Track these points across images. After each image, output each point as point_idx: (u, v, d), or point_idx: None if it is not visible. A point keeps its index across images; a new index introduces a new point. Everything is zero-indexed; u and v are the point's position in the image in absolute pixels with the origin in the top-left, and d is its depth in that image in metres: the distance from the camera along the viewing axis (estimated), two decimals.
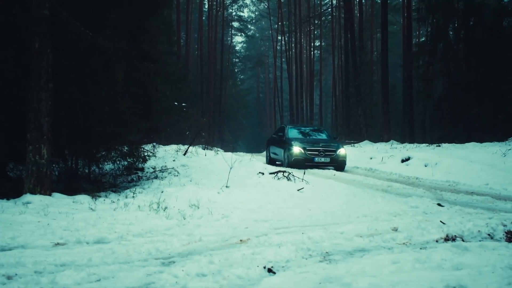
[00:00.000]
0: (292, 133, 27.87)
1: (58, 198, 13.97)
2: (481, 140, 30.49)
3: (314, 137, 28.22)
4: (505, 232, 9.19)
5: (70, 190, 15.34)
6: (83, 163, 18.15)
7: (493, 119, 37.91)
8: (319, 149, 25.39)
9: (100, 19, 15.93)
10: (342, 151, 25.61)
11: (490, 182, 18.55)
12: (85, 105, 15.48)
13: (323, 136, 28.58)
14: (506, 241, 8.67)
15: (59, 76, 14.97)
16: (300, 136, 27.69)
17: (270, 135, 34.07)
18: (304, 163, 25.00)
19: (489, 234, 9.20)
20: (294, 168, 23.94)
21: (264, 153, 44.46)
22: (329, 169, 25.59)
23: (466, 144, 29.03)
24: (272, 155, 29.48)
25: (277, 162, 28.51)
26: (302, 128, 29.31)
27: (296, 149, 25.39)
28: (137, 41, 17.46)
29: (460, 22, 42.12)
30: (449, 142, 33.22)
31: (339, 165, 25.46)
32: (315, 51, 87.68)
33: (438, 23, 42.92)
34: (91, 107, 15.62)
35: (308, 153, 25.24)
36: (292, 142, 25.94)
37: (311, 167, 25.17)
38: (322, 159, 25.21)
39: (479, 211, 13.13)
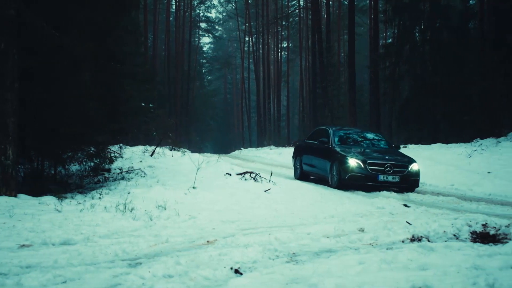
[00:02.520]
0: (340, 138, 20.80)
1: (23, 199, 13.86)
2: (447, 141, 30.80)
3: (371, 146, 20.87)
4: (470, 233, 9.27)
5: (36, 191, 15.23)
6: (49, 164, 18.02)
7: (459, 120, 38.26)
8: (386, 164, 18.40)
9: (67, 19, 15.82)
10: (415, 166, 18.70)
11: (456, 182, 18.75)
12: (51, 106, 15.37)
13: (382, 144, 21.24)
14: (471, 241, 8.75)
15: (25, 77, 14.86)
16: (351, 143, 20.65)
17: (301, 140, 27.14)
18: (365, 182, 18.34)
19: (454, 235, 9.27)
20: (348, 188, 18.60)
21: (235, 153, 44.41)
22: (395, 191, 18.39)
23: (432, 145, 29.28)
24: (306, 168, 22.37)
25: (311, 177, 22.21)
26: (351, 132, 21.96)
27: (353, 162, 18.47)
28: (104, 42, 17.38)
29: (426, 24, 42.40)
30: (415, 143, 33.44)
31: (410, 185, 18.63)
32: (283, 52, 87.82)
33: (404, 25, 43.17)
34: (58, 107, 15.52)
35: (370, 169, 18.29)
36: (345, 152, 19.17)
37: (373, 188, 18.26)
38: (390, 178, 18.23)
39: (444, 212, 13.26)
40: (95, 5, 16.34)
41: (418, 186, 18.93)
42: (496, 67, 31.90)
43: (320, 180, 20.88)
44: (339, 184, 18.91)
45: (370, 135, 22.04)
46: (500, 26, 31.85)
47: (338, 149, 19.73)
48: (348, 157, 18.81)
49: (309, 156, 22.08)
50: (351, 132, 22.08)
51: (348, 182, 18.68)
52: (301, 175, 22.68)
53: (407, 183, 18.56)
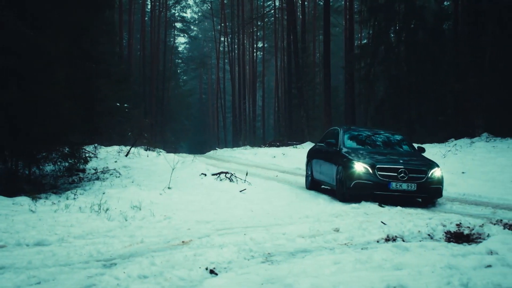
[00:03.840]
0: (351, 140, 17.60)
1: None
2: (421, 142, 30.90)
3: (388, 148, 17.47)
4: (445, 232, 9.33)
5: (10, 191, 15.12)
6: (23, 164, 17.90)
7: (433, 120, 38.49)
8: (399, 168, 14.92)
9: (41, 18, 15.74)
10: (437, 172, 15.25)
11: None
12: (25, 105, 15.26)
13: (402, 146, 17.84)
14: (445, 241, 8.81)
15: None
16: (362, 146, 17.34)
17: (314, 144, 22.00)
18: (373, 191, 15.00)
19: (429, 235, 9.33)
20: (353, 200, 15.26)
21: (211, 153, 44.36)
22: (412, 205, 15.27)
23: None
24: (316, 175, 18.93)
25: (323, 186, 18.93)
26: (366, 132, 18.63)
27: (359, 167, 15.17)
28: (78, 41, 17.30)
29: (401, 25, 42.56)
30: None
31: (430, 195, 15.23)
32: (258, 53, 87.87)
33: (379, 25, 43.30)
34: (32, 107, 15.40)
35: (380, 175, 14.94)
36: (352, 155, 15.92)
37: (385, 198, 14.98)
38: (404, 186, 14.77)
39: (419, 212, 13.33)
40: (69, 4, 16.26)
41: (440, 196, 15.28)
42: (470, 67, 32.12)
43: (332, 190, 17.50)
44: (344, 194, 15.68)
45: (387, 136, 18.37)
46: (474, 27, 32.07)
47: (344, 152, 16.47)
48: (354, 161, 15.41)
49: (319, 161, 18.74)
50: (365, 132, 18.59)
51: (353, 192, 15.30)
52: (312, 183, 19.26)
53: (427, 192, 14.97)
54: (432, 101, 38.28)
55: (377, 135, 18.40)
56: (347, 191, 15.50)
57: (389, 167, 15.09)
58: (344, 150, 16.68)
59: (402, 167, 15.01)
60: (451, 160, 22.49)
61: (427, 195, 15.19)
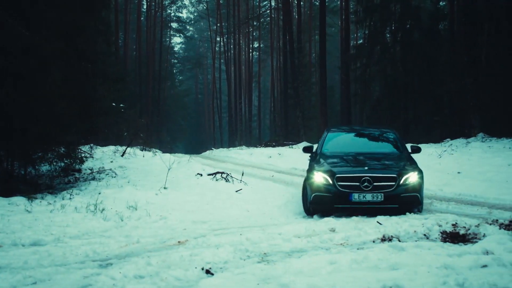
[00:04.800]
0: (331, 144, 15.57)
1: None
2: (417, 142, 30.87)
3: (369, 150, 15.27)
4: (441, 232, 9.34)
5: (6, 191, 15.11)
6: (19, 164, 17.89)
7: (429, 120, 38.50)
8: (362, 177, 12.93)
9: (36, 18, 15.73)
10: (412, 177, 13.15)
11: (426, 183, 18.63)
12: (21, 106, 15.25)
13: (389, 146, 15.71)
14: (441, 241, 8.82)
15: None
16: (341, 149, 15.13)
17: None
18: (333, 205, 13.14)
19: (425, 234, 9.34)
20: (317, 213, 13.52)
21: (207, 153, 44.31)
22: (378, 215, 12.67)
23: None
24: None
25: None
26: (351, 134, 16.76)
27: (318, 177, 13.28)
28: (74, 41, 17.28)
29: (397, 25, 42.54)
30: None
31: (404, 206, 13.02)
32: (254, 53, 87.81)
33: (375, 25, 43.27)
34: (27, 107, 15.40)
35: (340, 185, 12.98)
36: (317, 163, 14.08)
37: (349, 211, 13.08)
38: (368, 197, 12.80)
39: (415, 212, 13.32)
40: (64, 5, 16.25)
41: (418, 205, 13.31)
42: (466, 68, 32.15)
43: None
44: (308, 208, 13.91)
45: (375, 135, 16.55)
46: (470, 28, 32.10)
47: (317, 158, 14.62)
48: (315, 170, 13.57)
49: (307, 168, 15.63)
50: (350, 133, 16.74)
51: (314, 206, 13.50)
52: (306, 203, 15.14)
53: (397, 202, 12.91)
54: (428, 101, 38.25)
55: (362, 136, 16.39)
56: (309, 205, 13.62)
57: (350, 176, 13.11)
58: (319, 156, 14.76)
59: (365, 175, 12.98)
60: (447, 160, 22.49)
61: (398, 205, 12.90)
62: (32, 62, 15.28)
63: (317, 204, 13.41)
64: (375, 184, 12.91)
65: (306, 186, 13.85)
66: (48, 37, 15.38)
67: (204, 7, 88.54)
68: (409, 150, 15.57)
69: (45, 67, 15.55)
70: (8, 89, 14.99)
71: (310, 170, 14.01)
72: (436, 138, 32.44)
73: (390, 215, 12.45)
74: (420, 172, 13.58)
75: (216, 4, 78.92)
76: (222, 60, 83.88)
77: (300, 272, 6.89)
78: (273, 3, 73.97)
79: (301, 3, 61.02)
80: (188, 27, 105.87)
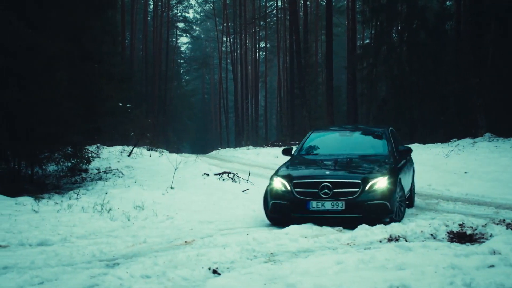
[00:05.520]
0: (313, 145, 14.50)
1: (0, 200, 13.78)
2: (424, 142, 30.88)
3: (349, 151, 13.56)
4: (448, 232, 9.32)
5: (13, 191, 15.13)
6: (26, 164, 17.91)
7: (436, 120, 38.45)
8: (321, 182, 11.50)
9: (41, 18, 15.75)
10: (380, 182, 11.50)
11: (433, 183, 18.77)
12: (26, 106, 15.28)
13: (375, 148, 13.86)
14: (448, 241, 8.80)
15: (0, 76, 14.78)
16: (319, 151, 14.11)
17: None
18: (291, 213, 11.68)
19: (431, 234, 9.31)
20: (276, 223, 12.11)
21: (213, 153, 44.30)
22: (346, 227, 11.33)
23: (410, 145, 29.30)
24: None
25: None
26: (339, 133, 15.31)
27: (277, 183, 11.99)
28: (80, 41, 17.30)
29: (403, 25, 42.47)
30: None
31: (368, 215, 11.32)
32: (260, 53, 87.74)
33: (382, 25, 43.23)
34: (33, 107, 15.42)
35: (298, 191, 11.60)
36: (282, 167, 12.97)
37: (307, 221, 11.40)
38: (327, 205, 11.31)
39: (422, 212, 13.30)
40: (70, 4, 16.27)
41: (388, 214, 11.44)
42: (472, 67, 32.08)
43: None
44: (268, 216, 12.46)
45: (361, 135, 14.97)
46: (476, 27, 32.03)
47: (290, 160, 13.78)
48: (275, 175, 12.39)
49: None
50: (333, 133, 15.41)
51: (273, 215, 12.20)
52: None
53: (361, 211, 11.34)
54: (434, 101, 38.21)
55: (348, 137, 14.80)
56: (269, 213, 12.31)
57: (308, 182, 11.75)
58: (293, 158, 13.89)
59: (324, 180, 11.54)
60: (454, 160, 22.45)
61: (361, 215, 11.31)
62: (37, 62, 15.30)
63: (275, 213, 12.05)
64: (335, 190, 11.36)
65: (267, 192, 12.39)
66: (53, 37, 15.40)
67: (211, 7, 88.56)
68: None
69: (50, 67, 15.58)
70: (13, 89, 15.02)
71: (273, 174, 12.67)
72: (443, 138, 32.36)
73: (354, 226, 10.72)
74: (392, 176, 11.78)
75: (223, 4, 78.93)
76: (228, 60, 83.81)
77: (307, 272, 6.88)
78: (279, 3, 73.95)
79: (308, 3, 61.01)
80: (194, 27, 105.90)
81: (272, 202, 11.97)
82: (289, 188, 11.69)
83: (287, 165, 13.11)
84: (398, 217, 11.74)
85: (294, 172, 12.28)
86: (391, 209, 11.45)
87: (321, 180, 11.58)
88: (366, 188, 11.39)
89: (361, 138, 14.77)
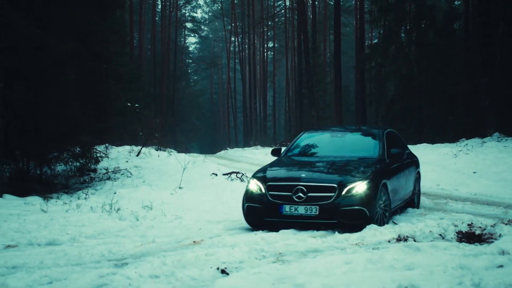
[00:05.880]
0: (301, 146, 13.82)
1: (9, 200, 13.85)
2: (432, 141, 30.81)
3: (336, 153, 12.83)
4: (456, 232, 9.30)
5: (21, 191, 15.18)
6: (34, 164, 17.96)
7: (444, 120, 38.38)
8: (296, 186, 10.92)
9: (50, 18, 15.79)
10: (359, 187, 10.85)
11: (442, 182, 18.72)
12: (35, 106, 15.33)
13: (366, 150, 12.98)
14: (457, 241, 8.78)
15: (8, 76, 14.82)
16: (306, 153, 13.53)
17: None
18: (263, 218, 11.27)
19: (440, 234, 9.30)
20: (254, 226, 11.60)
21: (222, 153, 44.29)
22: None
23: (418, 145, 29.27)
24: None
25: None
26: (331, 134, 14.47)
27: (253, 185, 11.54)
28: (88, 41, 17.34)
29: (411, 24, 42.47)
30: None
31: (345, 221, 10.76)
32: (269, 52, 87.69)
33: (390, 25, 43.20)
34: (41, 107, 15.47)
35: (271, 195, 11.07)
36: (261, 169, 12.51)
37: (280, 226, 10.96)
38: (301, 210, 10.75)
39: (430, 212, 13.28)
40: (78, 4, 16.31)
41: (366, 221, 10.68)
42: (480, 67, 32.01)
43: None
44: (246, 221, 11.79)
45: (355, 138, 13.96)
46: (485, 27, 31.96)
47: (272, 162, 13.38)
48: (251, 177, 11.97)
49: None
50: (325, 133, 14.63)
51: (248, 218, 11.63)
52: None
53: (337, 216, 10.71)
54: (443, 100, 38.16)
55: (339, 138, 13.97)
56: (244, 216, 11.71)
57: (282, 185, 11.19)
58: (276, 160, 13.44)
59: (299, 183, 10.96)
60: (463, 160, 22.41)
61: (336, 221, 10.74)
62: (45, 62, 15.36)
63: (249, 217, 11.52)
64: (310, 194, 10.78)
65: (244, 194, 11.93)
66: (62, 37, 15.44)
67: (219, 7, 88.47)
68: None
69: (59, 67, 15.63)
70: (22, 89, 15.06)
71: (252, 175, 12.32)
72: (451, 137, 32.29)
73: (332, 231, 10.52)
74: (373, 181, 11.13)
75: (231, 4, 78.94)
76: (237, 60, 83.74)
77: (316, 272, 6.88)
78: (287, 3, 73.79)
79: (316, 2, 61.09)
80: (202, 27, 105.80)
81: (246, 205, 11.49)
82: (263, 190, 11.18)
83: (267, 166, 12.64)
84: (380, 225, 10.89)
85: (270, 174, 11.75)
86: (370, 215, 10.76)
87: (296, 183, 11.01)
88: (343, 192, 10.77)
89: (352, 140, 13.84)
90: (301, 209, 10.72)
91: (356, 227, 10.44)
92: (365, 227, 10.42)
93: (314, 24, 54.21)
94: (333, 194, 10.71)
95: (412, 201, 14.34)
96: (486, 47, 31.49)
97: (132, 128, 33.97)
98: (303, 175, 11.33)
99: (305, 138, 14.04)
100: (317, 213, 10.66)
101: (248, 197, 11.45)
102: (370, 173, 11.37)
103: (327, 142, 13.74)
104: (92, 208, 13.11)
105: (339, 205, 10.66)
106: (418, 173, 15.17)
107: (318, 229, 10.61)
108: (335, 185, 10.80)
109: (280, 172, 12.16)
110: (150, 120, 36.96)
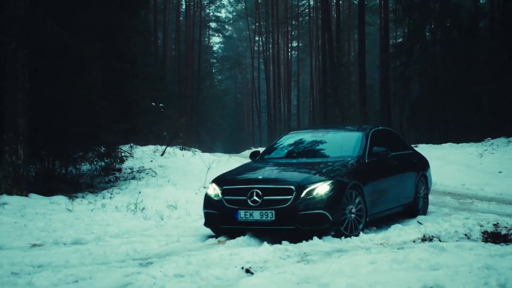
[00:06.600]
0: (280, 147, 12.84)
1: (35, 199, 13.94)
2: (457, 141, 30.64)
3: (314, 155, 12.06)
4: (482, 232, 9.24)
5: (47, 191, 15.29)
6: (60, 163, 18.08)
7: (469, 120, 38.17)
8: (251, 189, 10.02)
9: (76, 19, 15.89)
10: (320, 189, 9.81)
11: (467, 182, 18.61)
12: (61, 106, 15.44)
13: (347, 150, 11.68)
14: (482, 241, 8.72)
15: (35, 77, 14.92)
16: (282, 155, 12.45)
17: None
18: (219, 225, 10.41)
19: (466, 234, 9.24)
20: (215, 233, 10.67)
21: (246, 152, 44.28)
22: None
23: (443, 144, 29.16)
24: None
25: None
26: (313, 134, 13.11)
27: (211, 189, 10.70)
28: (113, 42, 17.44)
29: (436, 23, 42.32)
30: (426, 143, 33.26)
31: (303, 226, 9.69)
32: (293, 52, 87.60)
33: (414, 24, 43.11)
34: (68, 107, 15.58)
35: (227, 200, 10.20)
36: (226, 172, 11.90)
37: (237, 233, 9.99)
38: (256, 215, 9.78)
39: (456, 211, 13.19)
40: (103, 5, 16.40)
41: (328, 228, 9.74)
42: (506, 66, 31.80)
43: None
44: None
45: (336, 137, 12.81)
46: (510, 26, 31.75)
47: (243, 165, 12.77)
48: (211, 181, 11.07)
49: None
50: (311, 135, 13.10)
51: (207, 226, 10.72)
52: None
53: (294, 221, 9.66)
54: (468, 100, 37.96)
55: (317, 138, 12.76)
56: (204, 224, 10.83)
57: (237, 188, 10.33)
58: (250, 162, 12.69)
59: (254, 186, 10.06)
60: (488, 159, 22.26)
61: (294, 226, 9.69)
62: (72, 63, 15.46)
63: (208, 224, 10.64)
64: (265, 198, 9.83)
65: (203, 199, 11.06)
66: (88, 38, 15.53)
67: (243, 7, 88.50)
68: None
69: (85, 68, 15.73)
70: (48, 89, 15.17)
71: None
72: (477, 137, 32.10)
73: (295, 239, 9.44)
74: (339, 182, 10.06)
75: (255, 4, 78.88)
76: (261, 60, 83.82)
77: (340, 272, 6.86)
78: (311, 2, 73.81)
79: (340, 2, 60.82)
80: (226, 26, 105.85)
81: (204, 211, 10.70)
82: (220, 195, 10.32)
83: (232, 169, 12.21)
84: (350, 231, 9.95)
85: (229, 177, 11.02)
86: (334, 220, 9.70)
87: (251, 186, 10.10)
88: (302, 195, 9.74)
89: (333, 140, 12.60)
90: (256, 215, 9.78)
91: (316, 234, 9.62)
92: (331, 233, 9.71)
93: (338, 23, 54.03)
94: (290, 197, 9.73)
95: (414, 207, 12.95)
96: (511, 46, 31.29)
97: (157, 128, 34.07)
98: (259, 177, 10.44)
99: (287, 139, 13.09)
100: (273, 218, 9.70)
101: (205, 202, 10.67)
102: (338, 174, 10.39)
103: (307, 143, 12.69)
104: (117, 207, 13.16)
105: (296, 209, 9.67)
106: (424, 175, 13.68)
107: (275, 237, 9.64)
108: (292, 187, 9.81)
109: (240, 175, 11.18)
110: (175, 119, 37.11)
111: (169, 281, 6.62)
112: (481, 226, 9.73)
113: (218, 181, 10.75)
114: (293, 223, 9.60)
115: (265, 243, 8.79)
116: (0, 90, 14.59)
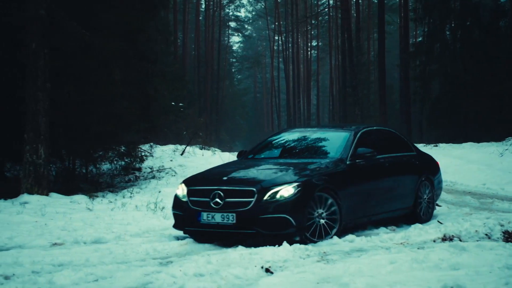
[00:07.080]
0: (267, 147, 12.39)
1: (55, 198, 14.01)
2: (478, 140, 30.48)
3: (296, 155, 11.59)
4: (503, 232, 9.19)
5: (68, 190, 15.37)
6: (80, 163, 18.16)
7: (490, 119, 37.92)
8: (213, 190, 9.58)
9: (97, 19, 15.95)
10: (284, 191, 9.27)
11: (488, 182, 18.53)
12: (82, 105, 15.51)
13: (332, 151, 11.07)
14: (503, 241, 8.68)
15: (56, 76, 14.99)
16: (267, 155, 12.05)
17: None
18: (184, 227, 10.01)
19: (486, 234, 9.20)
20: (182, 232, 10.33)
21: None
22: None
23: (463, 144, 29.04)
24: None
25: None
26: (300, 134, 12.53)
27: (179, 190, 10.32)
28: (134, 41, 17.49)
29: (456, 22, 42.13)
30: (446, 142, 33.13)
31: (264, 230, 9.17)
32: (312, 51, 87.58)
33: (434, 23, 42.90)
34: (88, 107, 15.65)
35: (192, 201, 9.83)
36: (192, 175, 11.51)
37: (200, 236, 9.86)
38: (218, 218, 9.33)
39: (476, 211, 13.13)
40: (125, 5, 16.45)
41: (292, 233, 9.22)
42: None
43: None
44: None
45: (323, 137, 11.99)
46: None
47: (223, 164, 12.55)
48: (182, 181, 10.69)
49: None
50: (299, 134, 12.51)
51: (176, 228, 10.28)
52: None
53: (256, 225, 9.17)
54: (489, 99, 37.72)
55: (303, 138, 12.21)
56: (173, 225, 10.40)
57: (201, 189, 9.94)
58: (233, 161, 12.68)
59: (217, 187, 9.62)
60: (509, 159, 22.13)
61: (255, 230, 9.23)
62: (92, 63, 15.52)
63: (175, 226, 10.24)
64: (227, 200, 9.40)
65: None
66: (109, 37, 15.59)
67: (262, 6, 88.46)
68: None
69: (106, 67, 15.79)
70: (69, 89, 15.24)
71: None
72: (498, 136, 31.92)
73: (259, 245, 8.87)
74: (306, 185, 9.51)
75: (274, 3, 78.84)
76: (280, 59, 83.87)
77: (360, 272, 6.84)
78: (331, 1, 73.64)
79: (360, 1, 60.70)
80: (246, 26, 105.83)
81: (172, 212, 10.40)
82: (186, 196, 9.95)
83: (207, 169, 11.93)
84: (319, 237, 9.45)
85: (198, 178, 10.76)
86: (296, 225, 9.19)
87: (214, 187, 9.66)
88: (265, 197, 9.26)
89: (318, 140, 11.95)
90: (218, 217, 9.34)
91: (279, 239, 9.02)
92: (296, 238, 9.15)
93: (358, 23, 53.91)
94: (251, 199, 9.25)
95: (413, 212, 12.06)
96: None
97: (177, 127, 34.16)
98: (224, 178, 9.92)
99: (273, 139, 12.66)
100: (234, 221, 9.24)
101: (173, 203, 10.37)
102: (308, 175, 9.85)
103: (291, 143, 12.16)
104: (137, 206, 13.19)
105: (257, 212, 9.20)
106: (428, 179, 12.74)
107: (236, 241, 9.29)
108: (254, 189, 9.33)
109: (209, 175, 10.81)
110: (194, 119, 37.17)
111: (189, 280, 6.63)
112: (502, 225, 9.69)
113: (187, 181, 10.48)
114: (253, 227, 9.20)
115: (285, 242, 8.75)
116: (20, 89, 14.68)
